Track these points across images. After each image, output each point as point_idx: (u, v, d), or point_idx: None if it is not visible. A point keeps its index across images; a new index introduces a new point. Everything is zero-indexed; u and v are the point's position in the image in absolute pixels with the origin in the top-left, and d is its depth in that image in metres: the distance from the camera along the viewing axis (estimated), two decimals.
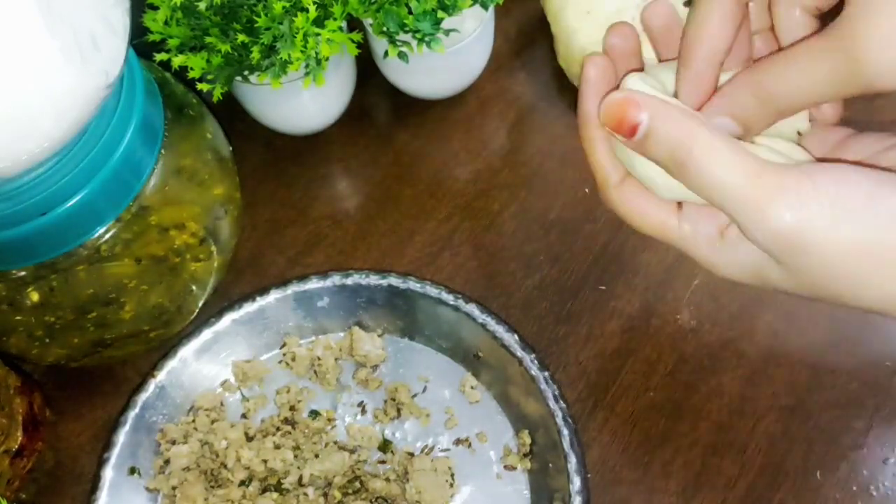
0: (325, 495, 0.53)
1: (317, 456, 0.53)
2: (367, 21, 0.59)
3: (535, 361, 0.53)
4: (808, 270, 0.33)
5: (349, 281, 0.57)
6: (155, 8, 0.54)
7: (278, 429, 0.55)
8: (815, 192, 0.32)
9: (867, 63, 0.31)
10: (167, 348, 0.55)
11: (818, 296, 0.34)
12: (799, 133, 0.38)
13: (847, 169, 0.33)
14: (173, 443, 0.54)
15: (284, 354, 0.57)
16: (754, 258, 0.35)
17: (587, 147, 0.39)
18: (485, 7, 0.58)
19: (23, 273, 0.47)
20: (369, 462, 0.54)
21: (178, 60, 0.54)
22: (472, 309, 0.55)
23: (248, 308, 0.56)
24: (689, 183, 0.34)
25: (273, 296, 0.56)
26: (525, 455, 0.53)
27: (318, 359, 0.56)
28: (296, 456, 0.53)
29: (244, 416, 0.56)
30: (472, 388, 0.55)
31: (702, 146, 0.33)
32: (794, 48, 0.34)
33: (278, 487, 0.53)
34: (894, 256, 0.31)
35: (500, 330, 0.54)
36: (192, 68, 0.54)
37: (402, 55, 0.57)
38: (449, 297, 0.55)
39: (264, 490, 0.53)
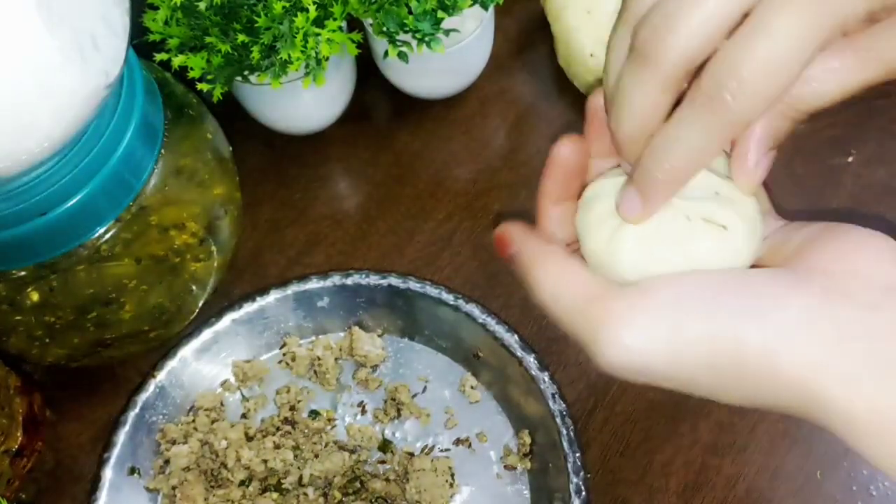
0: (325, 495, 0.53)
1: (317, 456, 0.53)
2: (367, 21, 0.59)
3: (535, 361, 0.53)
4: (663, 385, 0.32)
5: (349, 281, 0.57)
6: (155, 8, 0.54)
7: (278, 429, 0.55)
8: (655, 312, 0.31)
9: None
10: (167, 348, 0.55)
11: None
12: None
13: (686, 279, 0.32)
14: (173, 443, 0.54)
15: (284, 354, 0.57)
16: None
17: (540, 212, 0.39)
18: (485, 7, 0.58)
19: (23, 273, 0.47)
20: (369, 462, 0.54)
21: (178, 60, 0.54)
22: (472, 309, 0.55)
23: (248, 308, 0.56)
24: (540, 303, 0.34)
25: (273, 296, 0.56)
26: (525, 455, 0.53)
27: (318, 359, 0.56)
28: (296, 456, 0.53)
29: (244, 416, 0.56)
30: (472, 388, 0.55)
31: (544, 268, 0.33)
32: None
33: (278, 487, 0.53)
34: (748, 361, 0.30)
35: (500, 330, 0.54)
36: (192, 68, 0.54)
37: (402, 55, 0.57)
38: (449, 297, 0.55)
39: (264, 490, 0.53)
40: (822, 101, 0.31)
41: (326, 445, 0.54)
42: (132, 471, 0.53)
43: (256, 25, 0.52)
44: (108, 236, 0.47)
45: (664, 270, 0.33)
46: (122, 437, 0.53)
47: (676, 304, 0.31)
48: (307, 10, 0.52)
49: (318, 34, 0.52)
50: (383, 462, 0.54)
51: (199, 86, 0.54)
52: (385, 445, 0.54)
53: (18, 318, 0.49)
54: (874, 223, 0.33)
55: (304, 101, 0.61)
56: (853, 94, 0.31)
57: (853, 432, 0.30)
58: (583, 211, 0.36)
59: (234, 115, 0.62)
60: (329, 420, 0.55)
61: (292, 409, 0.55)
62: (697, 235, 0.33)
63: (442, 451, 0.54)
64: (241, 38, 0.52)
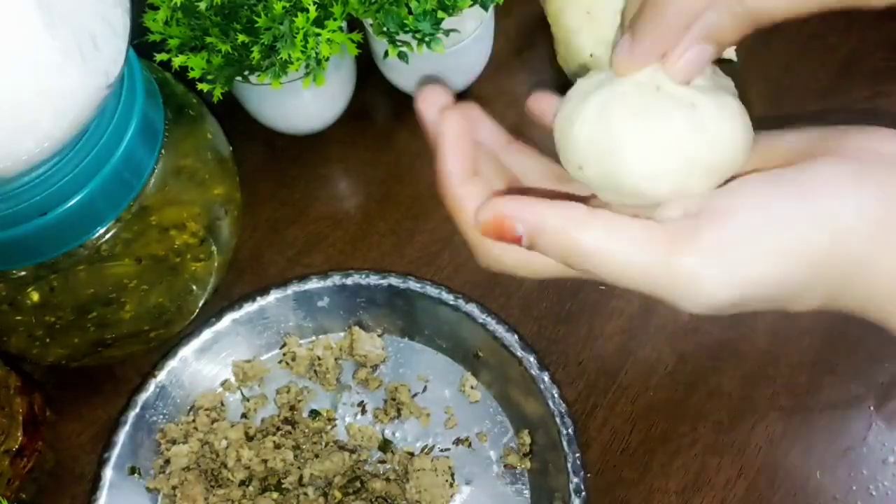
0: (325, 495, 0.53)
1: (317, 456, 0.53)
2: (367, 21, 0.59)
3: (535, 361, 0.53)
4: (742, 308, 0.32)
5: (349, 281, 0.57)
6: (155, 8, 0.54)
7: (278, 429, 0.55)
8: (745, 237, 0.30)
9: None
10: (167, 348, 0.55)
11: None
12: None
13: (745, 192, 0.31)
14: (173, 443, 0.54)
15: (284, 354, 0.57)
16: None
17: (454, 209, 0.36)
18: (485, 7, 0.58)
19: (23, 273, 0.47)
20: (369, 462, 0.54)
21: (178, 60, 0.54)
22: (472, 309, 0.55)
23: (248, 308, 0.56)
24: (599, 277, 0.32)
25: (273, 296, 0.56)
26: (525, 455, 0.53)
27: (318, 359, 0.56)
28: (296, 456, 0.53)
29: (244, 415, 0.56)
30: (472, 388, 0.55)
31: (594, 240, 0.31)
32: None
33: (278, 487, 0.53)
34: (838, 255, 0.30)
35: (500, 330, 0.54)
36: (192, 68, 0.54)
37: (402, 55, 0.57)
38: (449, 297, 0.55)
39: (264, 490, 0.53)
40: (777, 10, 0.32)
41: (326, 445, 0.54)
42: (132, 471, 0.53)
43: (256, 25, 0.52)
44: (108, 236, 0.47)
45: (622, 140, 0.32)
46: (122, 437, 0.53)
47: (763, 223, 0.30)
48: (307, 11, 0.52)
49: (318, 34, 0.52)
50: (383, 462, 0.54)
51: (199, 86, 0.54)
52: (385, 445, 0.54)
53: (19, 318, 0.49)
54: None
55: (304, 101, 0.61)
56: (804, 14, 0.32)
57: None
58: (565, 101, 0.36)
59: (234, 115, 0.62)
60: (329, 420, 0.55)
61: (292, 409, 0.55)
62: (662, 108, 0.32)
63: (442, 450, 0.54)
64: (242, 38, 0.52)
